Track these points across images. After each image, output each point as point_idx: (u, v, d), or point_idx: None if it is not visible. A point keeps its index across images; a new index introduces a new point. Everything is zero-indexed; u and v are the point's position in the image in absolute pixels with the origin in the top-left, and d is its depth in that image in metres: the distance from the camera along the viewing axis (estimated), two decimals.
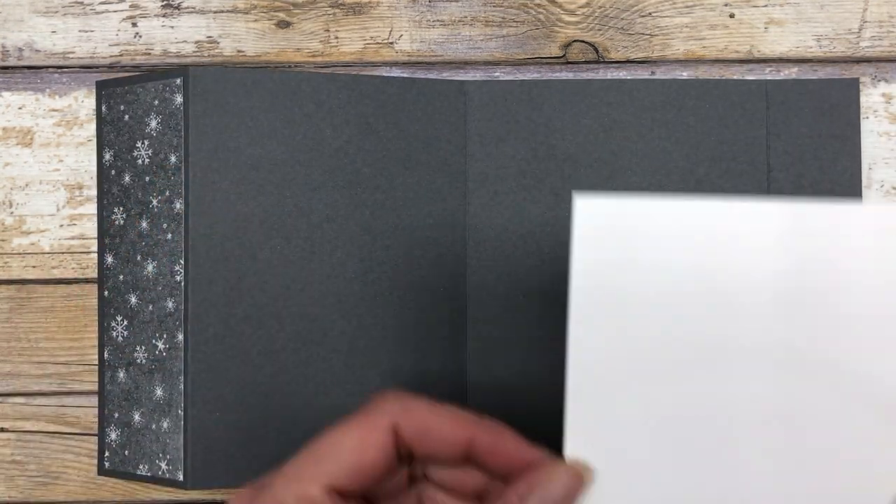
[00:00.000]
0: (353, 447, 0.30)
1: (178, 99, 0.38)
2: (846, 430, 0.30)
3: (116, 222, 0.39)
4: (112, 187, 0.39)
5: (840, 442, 0.30)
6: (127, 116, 0.39)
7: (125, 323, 0.39)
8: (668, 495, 0.30)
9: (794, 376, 0.30)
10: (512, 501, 0.29)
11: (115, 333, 0.39)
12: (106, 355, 0.39)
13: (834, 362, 0.30)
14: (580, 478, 0.30)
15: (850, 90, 0.39)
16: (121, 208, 0.39)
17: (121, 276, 0.39)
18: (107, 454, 0.39)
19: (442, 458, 0.32)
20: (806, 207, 0.29)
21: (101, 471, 0.39)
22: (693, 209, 0.30)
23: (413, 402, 0.31)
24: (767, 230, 0.30)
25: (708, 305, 0.30)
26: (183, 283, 0.38)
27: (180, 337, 0.38)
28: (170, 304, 0.38)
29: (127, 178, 0.39)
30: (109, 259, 0.39)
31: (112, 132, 0.39)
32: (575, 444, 0.30)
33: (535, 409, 0.38)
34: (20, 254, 0.40)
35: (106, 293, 0.39)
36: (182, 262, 0.38)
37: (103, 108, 0.40)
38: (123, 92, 0.39)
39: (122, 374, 0.39)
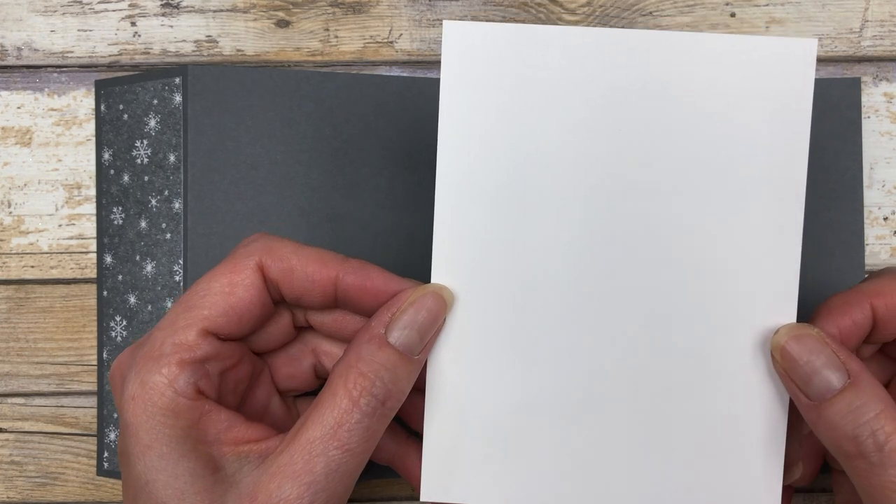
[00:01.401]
0: (221, 289, 0.30)
1: (177, 98, 0.38)
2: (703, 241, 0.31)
3: (115, 222, 0.39)
4: (111, 187, 0.39)
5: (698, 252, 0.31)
6: (126, 116, 0.39)
7: (124, 323, 0.39)
8: (523, 317, 0.31)
9: (652, 204, 0.31)
10: (375, 330, 0.29)
11: (114, 333, 0.39)
12: (105, 355, 0.39)
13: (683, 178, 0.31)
14: (443, 301, 0.30)
15: (852, 89, 0.39)
16: (119, 208, 0.39)
17: (119, 276, 0.39)
18: (106, 455, 0.39)
19: (312, 299, 0.31)
20: (659, 35, 0.31)
21: (101, 471, 0.39)
22: (553, 34, 0.31)
23: (278, 242, 0.31)
24: (622, 55, 0.31)
25: (568, 130, 0.31)
26: (182, 283, 0.37)
27: None
28: (169, 305, 0.38)
29: (126, 178, 0.39)
30: (108, 259, 0.39)
31: (111, 131, 0.39)
32: (439, 272, 0.31)
33: None
34: (19, 254, 0.40)
35: (105, 293, 0.39)
36: (181, 261, 0.38)
37: (102, 107, 0.39)
38: (122, 91, 0.39)
39: None
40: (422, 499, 0.31)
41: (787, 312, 0.31)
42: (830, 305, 0.31)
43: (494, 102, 0.31)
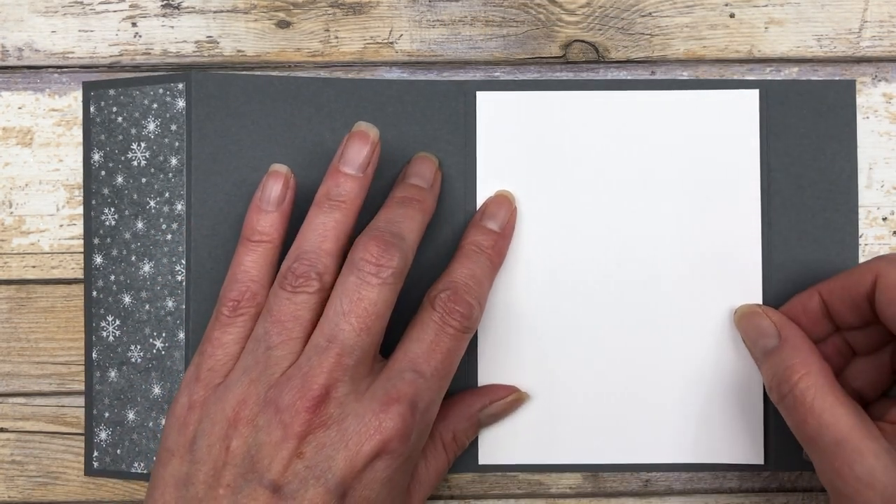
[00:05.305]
0: None
1: (180, 103, 0.38)
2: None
3: (107, 223, 0.39)
4: (102, 188, 0.39)
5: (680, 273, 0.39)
6: (120, 119, 0.39)
7: (117, 323, 0.39)
8: (548, 317, 0.40)
9: (651, 222, 0.39)
10: (478, 406, 0.39)
11: (105, 333, 0.39)
12: (95, 355, 0.39)
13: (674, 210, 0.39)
14: (520, 399, 0.39)
15: (847, 91, 0.39)
16: (111, 209, 0.39)
17: (112, 277, 0.39)
18: (96, 454, 0.39)
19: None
20: (641, 95, 0.39)
21: (90, 471, 0.39)
22: (565, 98, 0.39)
23: None
24: (615, 110, 0.39)
25: (578, 166, 0.39)
26: (185, 283, 0.38)
27: (181, 335, 0.38)
28: (170, 304, 0.38)
29: (119, 180, 0.39)
30: (98, 259, 0.39)
31: (102, 133, 0.39)
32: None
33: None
34: (20, 254, 0.40)
35: (94, 293, 0.39)
36: (183, 262, 0.38)
37: (92, 109, 0.39)
38: (117, 94, 0.39)
39: (113, 374, 0.39)
40: (480, 462, 0.40)
41: (755, 297, 0.39)
42: (791, 299, 0.38)
43: (520, 154, 0.39)
